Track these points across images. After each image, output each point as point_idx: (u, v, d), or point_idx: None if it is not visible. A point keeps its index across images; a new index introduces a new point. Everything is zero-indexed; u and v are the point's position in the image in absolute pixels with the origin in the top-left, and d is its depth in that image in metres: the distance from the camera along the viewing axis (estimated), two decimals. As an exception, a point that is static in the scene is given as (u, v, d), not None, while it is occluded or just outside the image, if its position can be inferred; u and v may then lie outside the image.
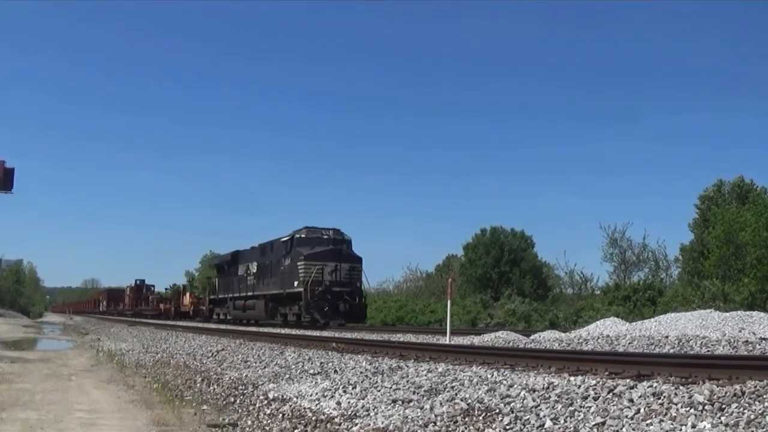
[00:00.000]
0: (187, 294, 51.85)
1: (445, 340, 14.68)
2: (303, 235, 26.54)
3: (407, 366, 8.34)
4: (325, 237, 26.41)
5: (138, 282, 72.60)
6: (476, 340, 14.57)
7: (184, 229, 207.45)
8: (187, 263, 73.17)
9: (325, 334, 19.60)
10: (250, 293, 31.16)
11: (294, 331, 22.89)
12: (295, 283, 25.56)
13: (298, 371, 9.10)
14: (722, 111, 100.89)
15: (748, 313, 11.89)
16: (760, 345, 8.55)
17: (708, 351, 8.50)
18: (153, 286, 73.72)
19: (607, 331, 12.85)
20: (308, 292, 24.32)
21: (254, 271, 31.07)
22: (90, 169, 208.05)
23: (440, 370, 7.64)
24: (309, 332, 21.97)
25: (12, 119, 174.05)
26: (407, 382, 6.98)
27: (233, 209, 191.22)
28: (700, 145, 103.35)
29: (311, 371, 8.91)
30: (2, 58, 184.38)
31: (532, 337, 13.76)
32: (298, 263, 25.38)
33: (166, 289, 68.37)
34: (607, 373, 6.29)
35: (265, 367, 10.13)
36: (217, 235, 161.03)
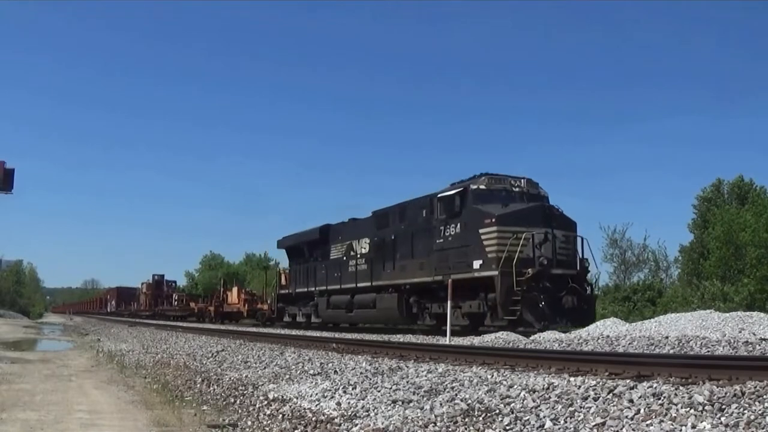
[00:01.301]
0: (234, 289, 41.15)
1: (445, 340, 14.68)
2: (482, 186, 17.05)
3: (407, 366, 8.34)
4: (517, 189, 17.27)
5: (156, 277, 61.89)
6: (476, 341, 14.56)
7: (184, 229, 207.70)
8: (187, 264, 68.55)
9: (325, 334, 19.60)
10: (361, 284, 21.39)
11: (294, 332, 22.91)
12: (477, 264, 16.25)
13: (298, 372, 9.10)
14: (722, 111, 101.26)
15: (747, 313, 11.88)
16: (760, 345, 8.55)
17: (708, 351, 8.50)
18: (174, 282, 64.69)
19: (607, 331, 12.85)
20: (512, 276, 15.19)
21: (364, 251, 21.83)
22: (90, 170, 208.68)
23: (440, 370, 7.65)
24: (309, 332, 21.99)
25: (12, 120, 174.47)
26: (407, 382, 6.98)
27: (233, 210, 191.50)
28: (700, 145, 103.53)
29: (311, 372, 8.91)
30: (3, 58, 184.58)
31: (532, 338, 13.75)
32: (485, 230, 16.12)
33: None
34: (607, 373, 6.29)
35: (265, 368, 10.13)
36: (217, 236, 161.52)
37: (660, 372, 5.95)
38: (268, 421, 6.33)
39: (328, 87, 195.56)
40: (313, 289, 25.58)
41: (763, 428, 3.82)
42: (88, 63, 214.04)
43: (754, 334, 10.27)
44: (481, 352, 9.28)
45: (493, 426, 4.81)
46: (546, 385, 5.71)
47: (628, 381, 5.49)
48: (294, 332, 22.47)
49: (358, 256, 22.29)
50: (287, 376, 8.82)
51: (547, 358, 7.78)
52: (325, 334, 20.24)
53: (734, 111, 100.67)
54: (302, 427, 5.85)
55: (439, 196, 18.05)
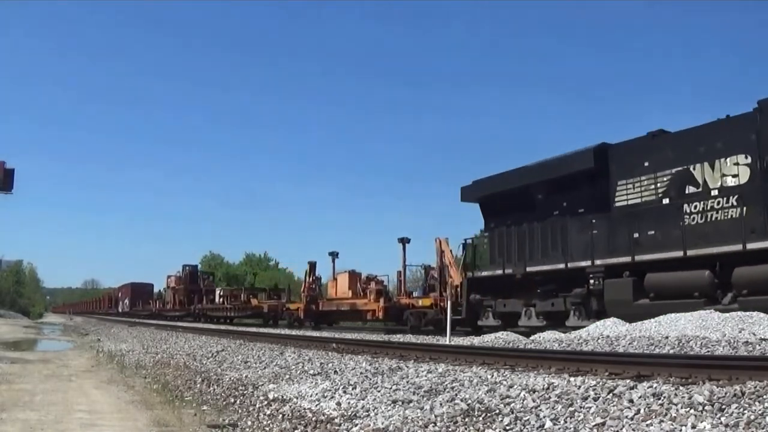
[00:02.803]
0: (344, 276, 27.04)
1: (445, 340, 14.68)
2: None
3: (407, 366, 8.34)
4: None
5: (189, 268, 49.55)
6: (476, 341, 14.57)
7: (184, 229, 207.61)
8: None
9: (325, 334, 19.61)
10: (756, 244, 11.80)
11: (294, 332, 22.87)
12: None
13: (298, 372, 9.10)
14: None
15: (748, 313, 11.81)
16: (760, 345, 8.54)
17: (708, 351, 8.49)
18: (212, 274, 54.27)
19: (607, 331, 12.83)
20: None
21: (735, 181, 12.54)
22: (90, 170, 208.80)
23: (440, 370, 7.64)
24: (309, 332, 21.97)
25: (13, 119, 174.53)
26: (407, 382, 6.98)
27: (233, 209, 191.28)
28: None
29: (311, 372, 8.91)
30: (3, 57, 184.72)
31: (532, 338, 13.75)
32: None
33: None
34: (607, 373, 6.29)
35: (265, 368, 10.13)
36: (217, 236, 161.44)
37: (660, 372, 5.95)
38: (268, 421, 6.33)
39: (330, 85, 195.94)
40: (583, 263, 14.74)
41: (763, 428, 3.81)
42: (89, 61, 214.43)
43: (754, 334, 10.25)
44: (481, 352, 9.29)
45: (493, 426, 4.80)
46: (546, 385, 5.70)
47: (628, 381, 5.49)
48: (294, 332, 22.46)
49: (714, 193, 12.81)
50: (287, 376, 8.82)
51: (547, 358, 7.78)
52: (325, 334, 20.25)
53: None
54: (302, 427, 5.85)
55: None
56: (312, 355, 11.17)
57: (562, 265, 15.39)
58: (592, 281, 14.35)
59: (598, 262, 14.41)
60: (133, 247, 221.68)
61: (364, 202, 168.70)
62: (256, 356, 12.01)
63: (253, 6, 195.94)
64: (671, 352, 8.75)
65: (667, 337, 10.39)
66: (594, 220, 14.87)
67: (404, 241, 23.68)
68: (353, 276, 26.79)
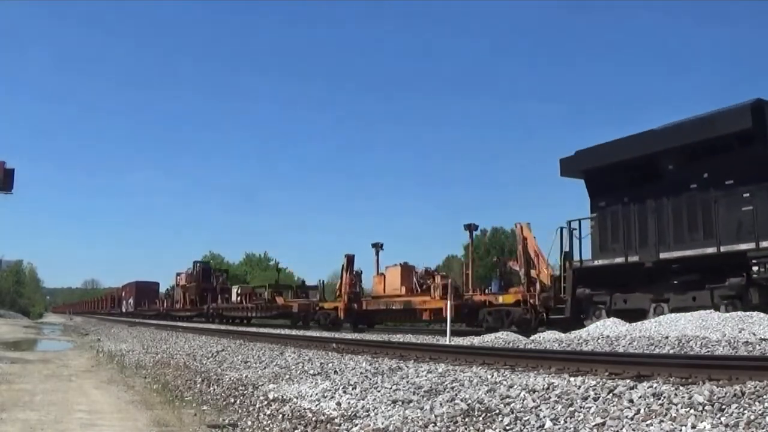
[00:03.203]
0: (394, 271, 23.54)
1: (445, 340, 14.69)
2: None
3: (407, 366, 8.34)
4: None
5: (201, 265, 46.54)
6: (476, 341, 14.57)
7: (184, 230, 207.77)
8: (184, 265, 60.26)
9: (325, 334, 19.62)
10: None
11: (294, 332, 22.87)
12: None
13: (298, 372, 9.10)
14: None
15: (748, 313, 11.79)
16: (760, 345, 8.55)
17: (708, 351, 8.50)
18: (225, 271, 49.28)
19: (607, 331, 12.84)
20: None
21: None
22: (90, 170, 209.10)
23: (440, 370, 7.64)
24: (309, 332, 21.97)
25: (12, 119, 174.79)
26: (407, 382, 6.98)
27: (232, 210, 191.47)
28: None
29: (311, 372, 8.91)
30: (3, 58, 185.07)
31: (532, 338, 13.76)
32: None
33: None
34: (607, 373, 6.30)
35: (265, 368, 10.13)
36: (216, 236, 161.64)
37: (660, 372, 5.95)
38: (268, 421, 6.34)
39: (330, 87, 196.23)
40: (743, 246, 12.04)
41: (763, 428, 3.81)
42: (89, 63, 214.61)
43: (754, 334, 10.26)
44: (481, 352, 9.30)
45: (493, 426, 4.80)
46: (546, 385, 5.71)
47: (628, 381, 5.49)
48: (294, 332, 22.46)
49: None
50: (287, 376, 8.82)
51: (547, 358, 7.79)
52: (325, 334, 20.25)
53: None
54: (302, 427, 5.85)
55: None
56: (312, 355, 11.17)
57: (712, 249, 12.47)
58: (755, 268, 11.58)
59: (765, 244, 11.57)
60: (133, 247, 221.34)
61: (363, 203, 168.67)
62: (256, 356, 12.02)
63: (252, 7, 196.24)
64: (671, 352, 8.75)
65: (667, 337, 10.39)
66: (750, 194, 12.10)
67: (471, 227, 20.13)
68: (407, 270, 23.05)
